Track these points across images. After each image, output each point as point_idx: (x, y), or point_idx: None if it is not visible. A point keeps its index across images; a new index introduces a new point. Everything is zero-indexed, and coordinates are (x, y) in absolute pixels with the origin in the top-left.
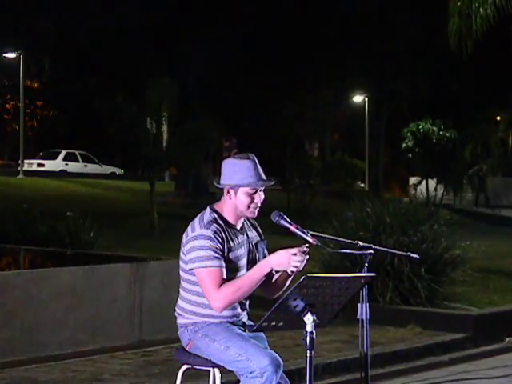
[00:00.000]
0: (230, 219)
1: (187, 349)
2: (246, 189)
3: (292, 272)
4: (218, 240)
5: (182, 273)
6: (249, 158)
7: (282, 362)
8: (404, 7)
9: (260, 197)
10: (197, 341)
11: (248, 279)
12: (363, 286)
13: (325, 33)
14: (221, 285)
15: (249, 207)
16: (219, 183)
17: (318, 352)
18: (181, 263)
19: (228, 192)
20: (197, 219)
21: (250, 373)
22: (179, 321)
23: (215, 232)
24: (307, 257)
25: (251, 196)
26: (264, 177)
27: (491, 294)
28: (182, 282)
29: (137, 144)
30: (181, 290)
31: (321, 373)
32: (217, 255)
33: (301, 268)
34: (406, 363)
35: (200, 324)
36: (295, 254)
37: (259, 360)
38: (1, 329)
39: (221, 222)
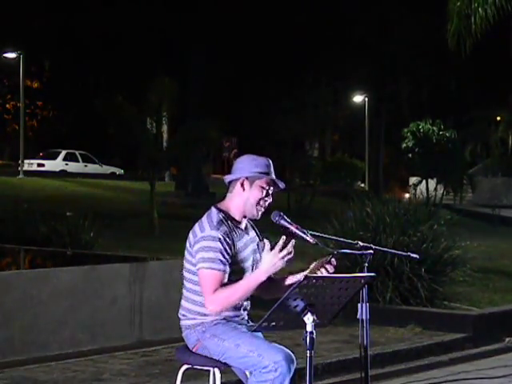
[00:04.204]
0: (237, 217)
1: (194, 350)
2: (263, 183)
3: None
4: (227, 242)
5: (185, 273)
6: (266, 157)
7: (295, 360)
8: (404, 7)
9: (270, 197)
10: (205, 341)
11: (243, 286)
12: (363, 286)
13: (325, 33)
14: (217, 289)
15: (259, 203)
16: (234, 175)
17: (318, 352)
18: (185, 263)
19: (242, 184)
20: (204, 219)
21: (264, 368)
22: (184, 322)
23: (225, 233)
24: (292, 250)
25: (265, 191)
26: None
27: (491, 293)
28: (186, 283)
29: (137, 144)
30: (184, 291)
31: (321, 373)
32: (223, 259)
33: (291, 257)
34: (406, 363)
35: (207, 324)
36: (281, 251)
37: (272, 356)
38: (1, 329)
39: (229, 223)
